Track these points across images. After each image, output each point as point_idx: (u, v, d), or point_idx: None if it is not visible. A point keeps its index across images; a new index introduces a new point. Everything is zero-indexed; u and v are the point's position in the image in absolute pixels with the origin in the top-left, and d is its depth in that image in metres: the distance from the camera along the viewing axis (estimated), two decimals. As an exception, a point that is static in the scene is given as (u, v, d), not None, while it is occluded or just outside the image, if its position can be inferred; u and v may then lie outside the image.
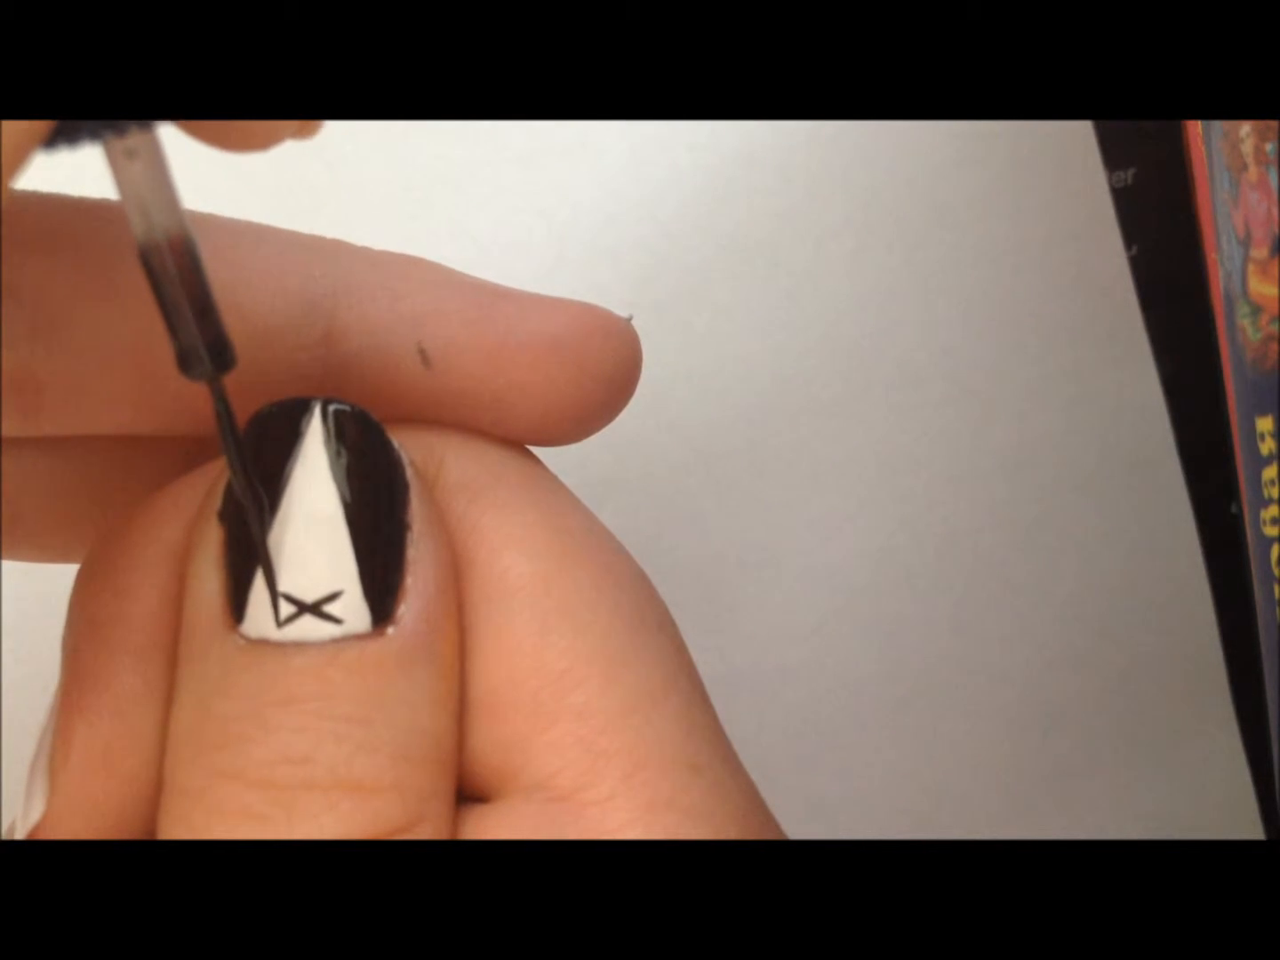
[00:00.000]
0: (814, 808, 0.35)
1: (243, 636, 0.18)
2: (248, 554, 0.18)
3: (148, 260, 0.17)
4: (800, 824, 0.35)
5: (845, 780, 0.35)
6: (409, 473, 0.19)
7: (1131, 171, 0.33)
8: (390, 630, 0.18)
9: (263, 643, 0.18)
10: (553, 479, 0.21)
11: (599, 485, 0.33)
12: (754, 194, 0.33)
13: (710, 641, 0.34)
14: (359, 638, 0.18)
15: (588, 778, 0.18)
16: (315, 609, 0.18)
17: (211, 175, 0.32)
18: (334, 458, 0.18)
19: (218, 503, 0.19)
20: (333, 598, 0.18)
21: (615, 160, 0.33)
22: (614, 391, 0.21)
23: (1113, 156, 0.33)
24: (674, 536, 0.34)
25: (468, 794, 0.19)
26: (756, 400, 0.34)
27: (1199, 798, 0.35)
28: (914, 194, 0.33)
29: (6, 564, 0.32)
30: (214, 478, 0.19)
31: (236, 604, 0.18)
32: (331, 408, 0.19)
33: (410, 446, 0.20)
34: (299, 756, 0.17)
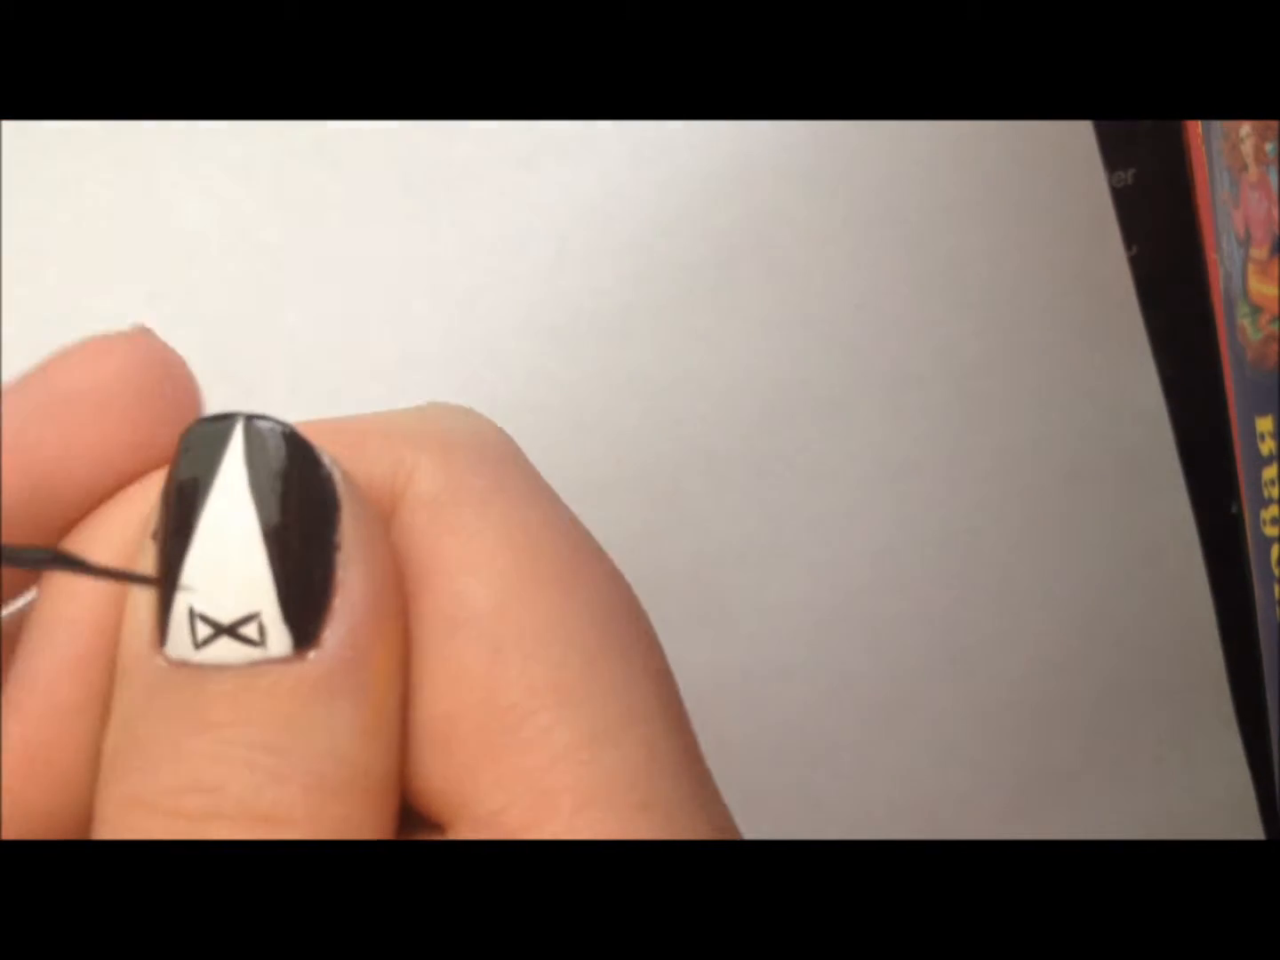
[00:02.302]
0: (813, 807, 0.35)
1: (165, 658, 0.17)
2: (172, 575, 0.18)
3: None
4: (799, 823, 0.35)
5: (844, 780, 0.34)
6: (340, 490, 0.18)
7: (1131, 171, 0.33)
8: (312, 654, 0.17)
9: (183, 665, 0.17)
10: (532, 492, 0.20)
11: (599, 485, 0.33)
12: (754, 194, 0.33)
13: (709, 641, 0.34)
14: (278, 661, 0.17)
15: (534, 815, 0.18)
16: (232, 631, 0.17)
17: (211, 176, 0.32)
18: (254, 475, 0.18)
19: (153, 522, 0.18)
20: (250, 619, 0.17)
21: (615, 160, 0.33)
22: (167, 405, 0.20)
23: (1113, 156, 0.33)
24: (674, 536, 0.34)
25: (425, 821, 0.19)
26: (756, 400, 0.34)
27: (1199, 798, 0.35)
28: (914, 194, 0.33)
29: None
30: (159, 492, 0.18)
31: (162, 624, 0.18)
32: (255, 423, 0.18)
33: (382, 458, 0.19)
34: (209, 785, 0.17)
